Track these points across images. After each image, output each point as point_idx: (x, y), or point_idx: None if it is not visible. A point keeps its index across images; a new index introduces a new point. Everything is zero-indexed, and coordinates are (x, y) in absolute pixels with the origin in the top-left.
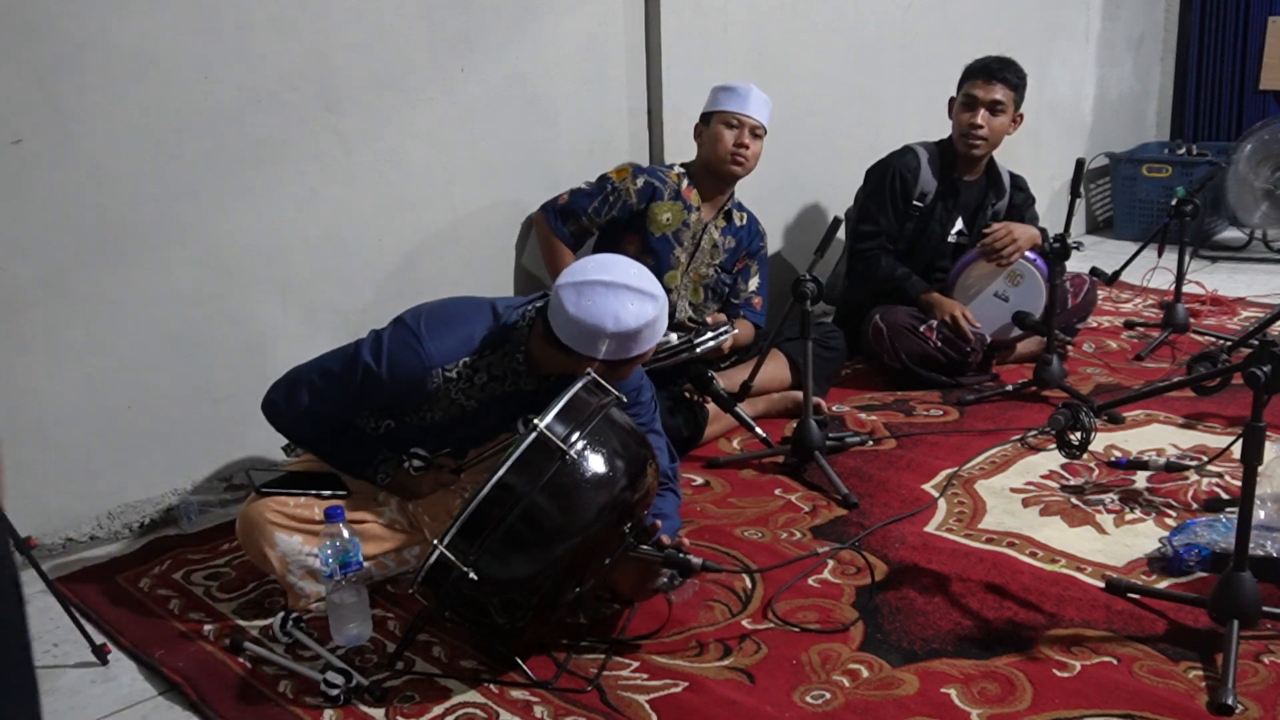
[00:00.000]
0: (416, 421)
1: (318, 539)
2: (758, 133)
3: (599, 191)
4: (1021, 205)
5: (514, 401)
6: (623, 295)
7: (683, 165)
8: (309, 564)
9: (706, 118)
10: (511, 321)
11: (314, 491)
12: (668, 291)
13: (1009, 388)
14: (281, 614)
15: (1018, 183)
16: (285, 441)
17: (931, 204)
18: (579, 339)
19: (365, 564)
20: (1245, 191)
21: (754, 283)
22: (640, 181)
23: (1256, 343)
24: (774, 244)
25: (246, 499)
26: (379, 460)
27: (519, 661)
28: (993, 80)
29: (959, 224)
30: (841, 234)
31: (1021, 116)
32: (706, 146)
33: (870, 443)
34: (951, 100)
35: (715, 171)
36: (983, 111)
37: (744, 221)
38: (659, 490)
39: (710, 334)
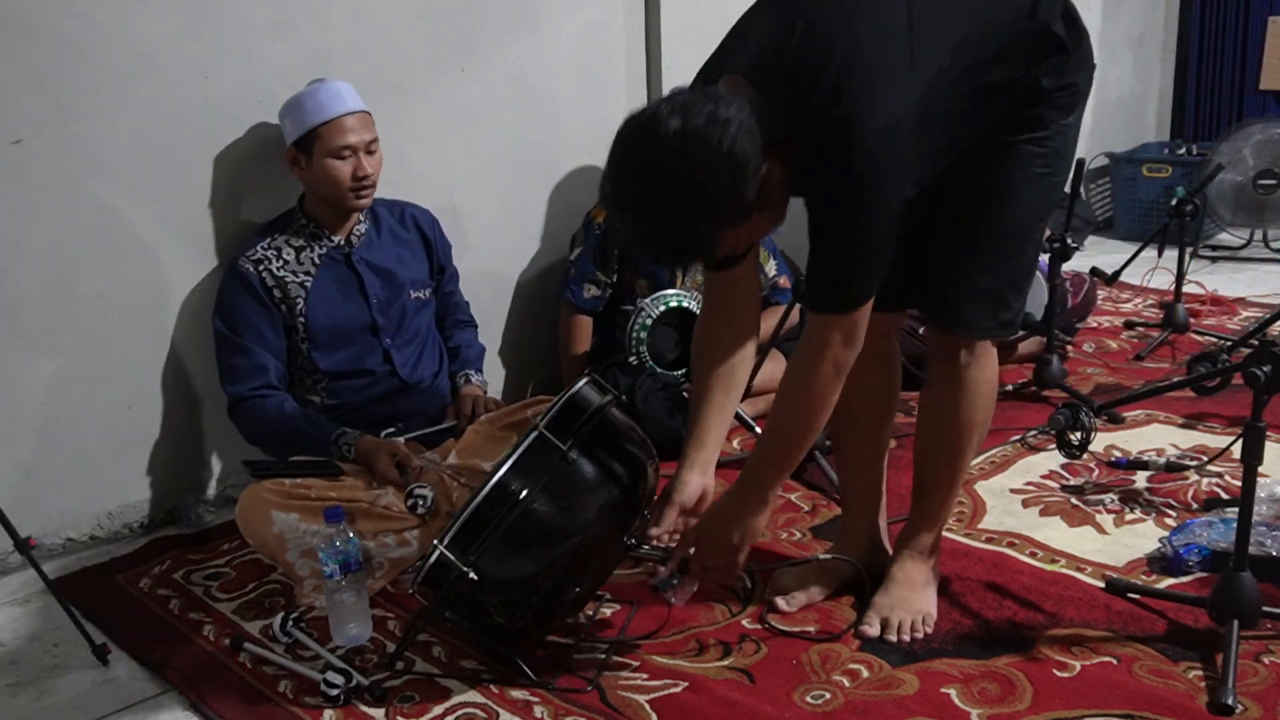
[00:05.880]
0: (307, 331)
1: (315, 516)
2: None
3: (590, 242)
4: None
5: (340, 266)
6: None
7: None
8: (308, 542)
9: None
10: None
11: (309, 472)
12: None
13: (1009, 388)
14: (281, 614)
15: None
16: None
17: None
18: (286, 135)
19: (368, 544)
20: (1226, 189)
21: (771, 266)
22: None
23: (1256, 343)
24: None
25: (245, 487)
26: (338, 435)
27: (519, 661)
28: None
29: None
30: None
31: None
32: None
33: None
34: None
35: None
36: None
37: None
38: (462, 325)
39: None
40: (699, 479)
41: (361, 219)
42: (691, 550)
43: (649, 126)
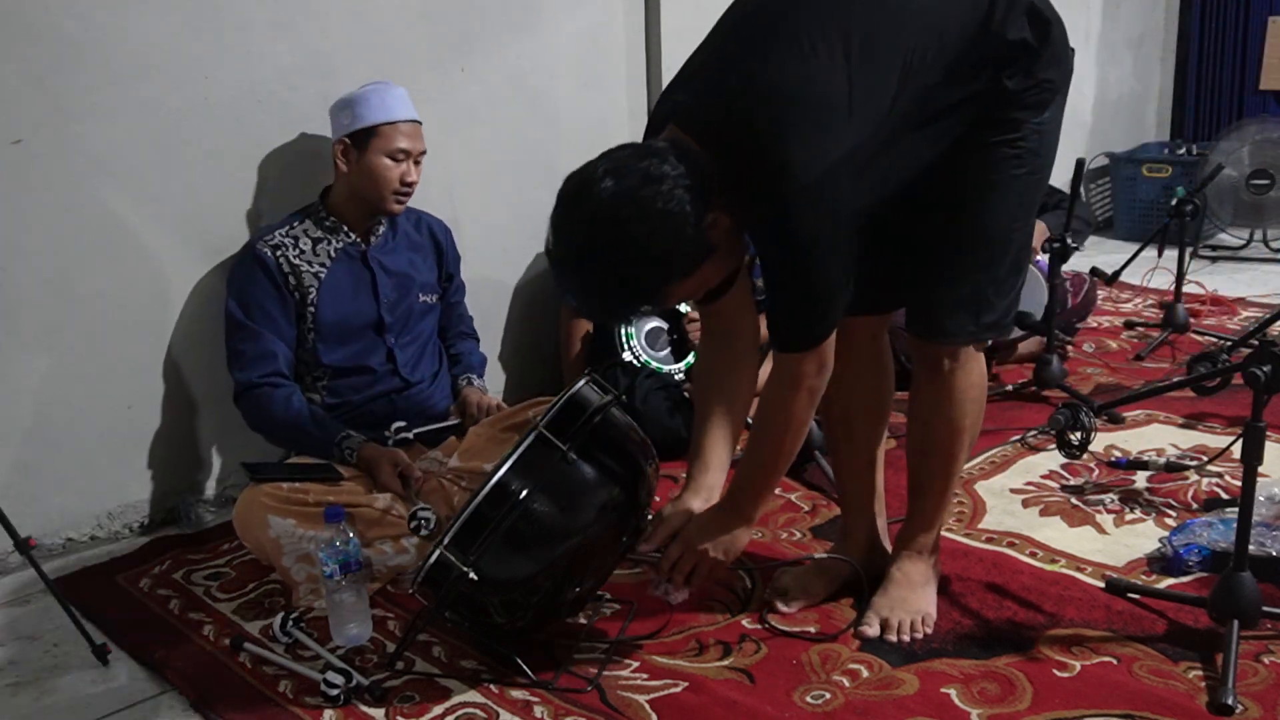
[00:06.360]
0: (315, 323)
1: (312, 522)
2: None
3: None
4: None
5: (355, 262)
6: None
7: None
8: (304, 548)
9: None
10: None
11: (307, 476)
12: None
13: (1009, 388)
14: (281, 614)
15: None
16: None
17: None
18: (335, 127)
19: (365, 551)
20: (1225, 189)
21: None
22: None
23: (1256, 343)
24: None
25: (244, 490)
26: (342, 438)
27: (519, 661)
28: None
29: None
30: None
31: None
32: None
33: None
34: None
35: None
36: None
37: None
38: (465, 337)
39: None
40: (701, 506)
41: (381, 221)
42: (677, 558)
43: (583, 191)
